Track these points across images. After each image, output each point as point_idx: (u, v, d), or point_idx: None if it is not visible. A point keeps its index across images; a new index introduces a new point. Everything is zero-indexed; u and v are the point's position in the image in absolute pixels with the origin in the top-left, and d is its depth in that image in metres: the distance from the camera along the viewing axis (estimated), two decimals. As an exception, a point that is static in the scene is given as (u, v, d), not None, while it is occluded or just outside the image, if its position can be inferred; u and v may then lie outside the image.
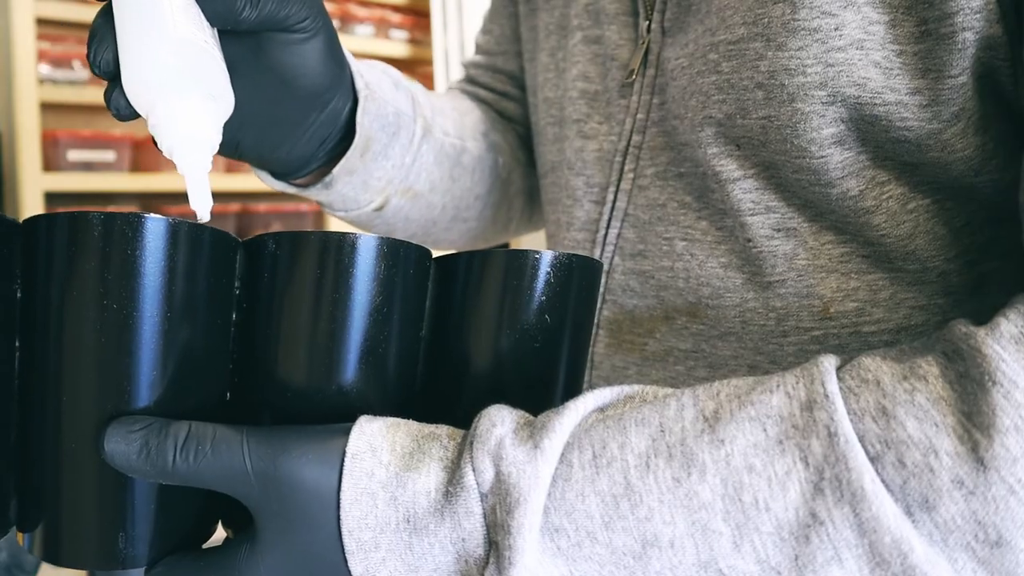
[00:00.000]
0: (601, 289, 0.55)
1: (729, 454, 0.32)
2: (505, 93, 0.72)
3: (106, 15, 0.39)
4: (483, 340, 0.39)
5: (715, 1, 0.47)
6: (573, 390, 0.42)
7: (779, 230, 0.47)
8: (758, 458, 0.32)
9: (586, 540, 0.32)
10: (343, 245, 0.35)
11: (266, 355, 0.36)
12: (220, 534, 0.39)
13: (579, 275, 0.40)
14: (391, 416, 0.37)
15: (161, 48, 0.36)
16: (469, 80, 0.73)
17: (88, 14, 1.78)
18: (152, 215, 0.33)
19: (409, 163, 0.57)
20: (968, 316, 0.35)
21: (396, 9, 2.38)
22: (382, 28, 2.33)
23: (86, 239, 0.32)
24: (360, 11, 2.28)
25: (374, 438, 0.34)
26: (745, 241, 0.48)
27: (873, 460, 0.31)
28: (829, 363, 0.34)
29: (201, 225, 0.34)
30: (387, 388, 0.38)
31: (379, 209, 0.58)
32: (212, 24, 0.41)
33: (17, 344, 0.34)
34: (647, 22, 0.52)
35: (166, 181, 1.92)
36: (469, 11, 2.29)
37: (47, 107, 1.78)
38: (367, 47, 2.28)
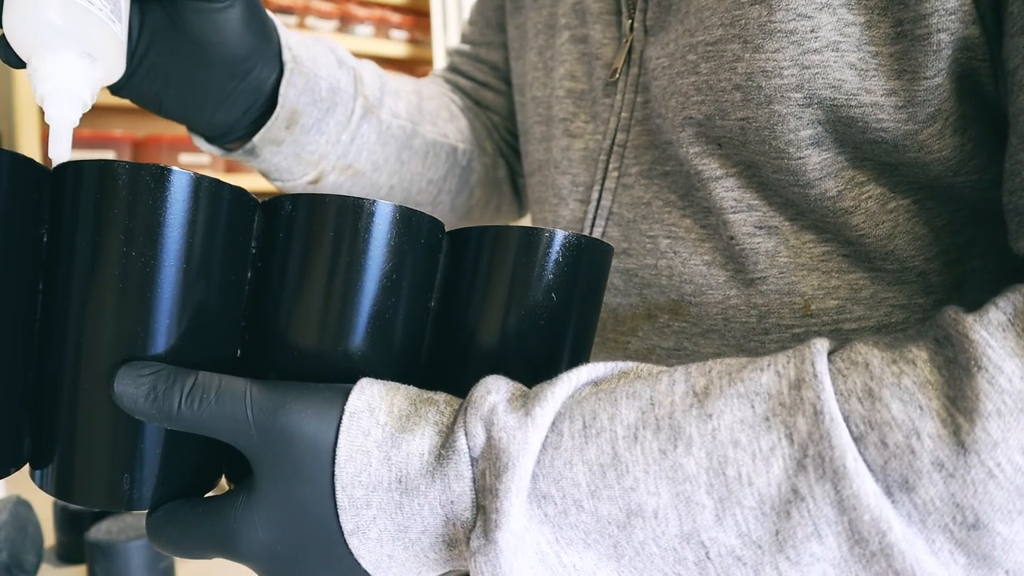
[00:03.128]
0: None
1: (716, 428, 0.32)
2: (485, 83, 0.72)
3: None
4: (489, 315, 0.40)
5: (694, 1, 0.47)
6: (576, 360, 0.42)
7: (760, 228, 0.47)
8: (744, 433, 0.32)
9: (572, 508, 0.33)
10: (360, 210, 0.36)
11: (277, 315, 0.37)
12: (223, 489, 0.39)
13: (589, 256, 0.40)
14: (395, 378, 0.37)
15: (36, 4, 0.38)
16: (452, 68, 0.74)
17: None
18: (176, 168, 0.34)
19: (347, 141, 0.58)
20: None
21: (396, 9, 2.38)
22: (382, 28, 2.33)
23: (112, 188, 0.33)
24: (360, 11, 2.28)
25: (373, 399, 0.35)
26: (728, 239, 0.48)
27: (856, 440, 0.32)
28: (821, 345, 0.35)
29: (222, 182, 0.35)
30: (392, 355, 0.38)
31: (314, 182, 0.59)
32: None
33: (41, 287, 0.35)
34: (630, 21, 0.52)
35: (166, 181, 1.92)
36: (469, 11, 2.29)
37: (47, 107, 1.78)
38: (367, 47, 2.28)
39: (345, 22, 2.26)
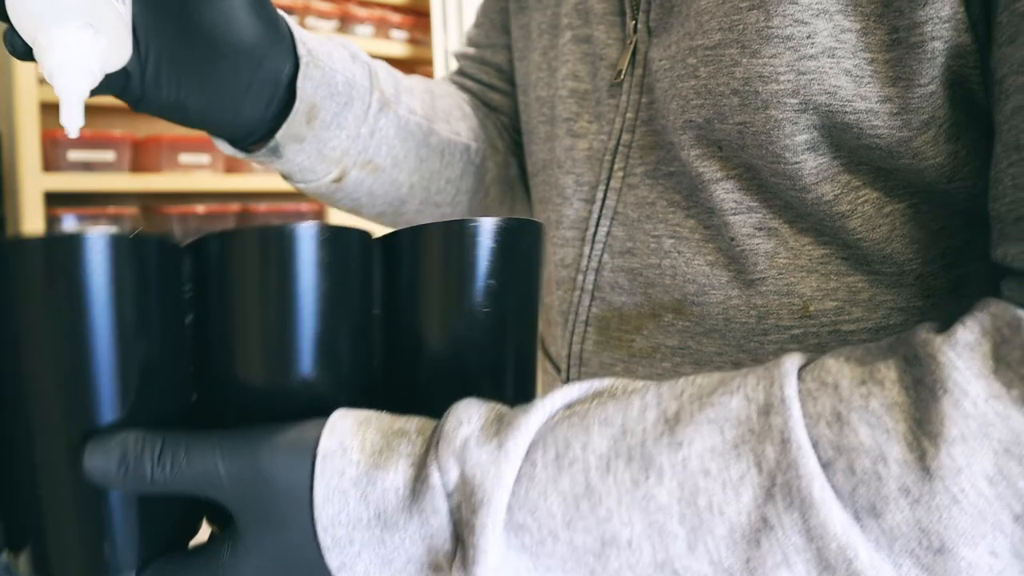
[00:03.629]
0: (590, 287, 0.56)
1: (686, 458, 0.33)
2: (492, 85, 0.73)
3: None
4: (433, 312, 0.40)
5: (694, 5, 0.47)
6: (526, 351, 0.43)
7: (760, 229, 0.47)
8: (714, 462, 0.33)
9: (548, 538, 0.33)
10: (282, 237, 0.36)
11: (222, 355, 0.37)
12: (206, 529, 0.39)
13: (519, 238, 0.41)
14: (354, 398, 0.38)
15: None
16: (458, 72, 0.75)
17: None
18: (92, 233, 0.33)
19: (367, 134, 0.58)
20: (948, 318, 0.36)
21: (396, 9, 2.38)
22: (382, 28, 2.33)
23: (31, 265, 0.33)
24: (360, 11, 2.28)
25: (345, 437, 0.35)
26: (729, 239, 0.48)
27: (825, 466, 0.32)
28: (791, 364, 0.35)
29: (143, 236, 0.35)
30: (344, 373, 0.38)
31: (338, 180, 0.58)
32: None
33: None
34: (633, 22, 0.52)
35: (166, 181, 1.92)
36: (469, 11, 2.29)
37: (47, 107, 1.78)
38: (367, 47, 2.28)
39: (345, 22, 2.26)
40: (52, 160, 1.76)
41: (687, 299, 0.51)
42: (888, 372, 0.34)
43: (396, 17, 2.35)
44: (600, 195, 0.55)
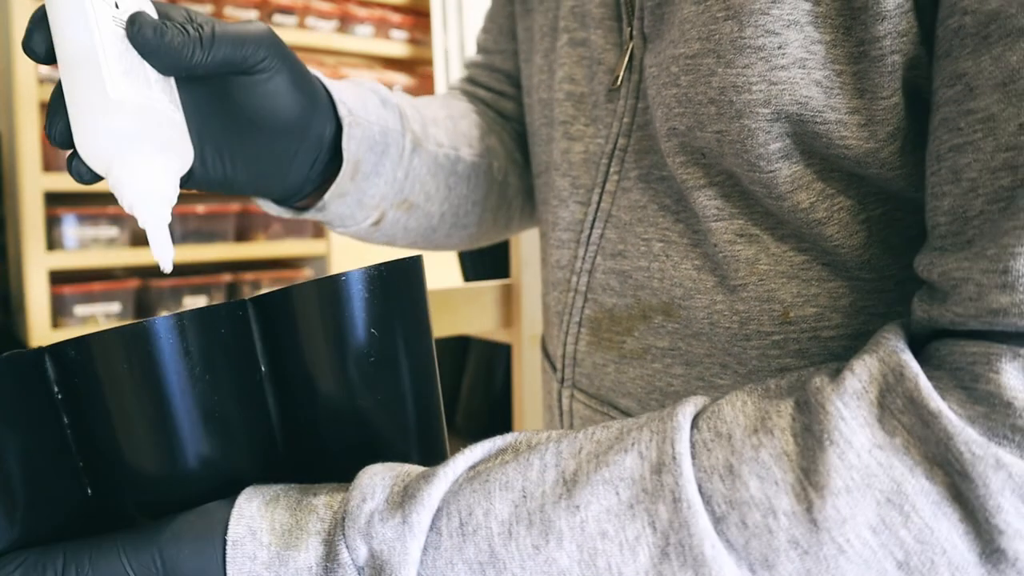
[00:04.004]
0: (583, 288, 0.56)
1: (584, 520, 0.34)
2: (503, 92, 0.73)
3: (60, 89, 0.40)
4: (320, 367, 0.40)
5: (678, 13, 0.47)
6: (426, 393, 0.43)
7: (741, 236, 0.48)
8: (611, 524, 0.34)
9: None
10: (138, 336, 0.35)
11: (108, 452, 0.37)
12: None
13: (395, 281, 0.40)
14: (255, 466, 0.38)
15: (102, 116, 0.38)
16: (469, 79, 0.74)
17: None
18: None
19: (402, 177, 0.59)
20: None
21: (396, 9, 2.38)
22: (382, 28, 2.33)
23: None
24: (360, 11, 2.28)
25: (253, 520, 0.35)
26: (712, 245, 0.49)
27: (719, 520, 0.33)
28: (684, 416, 0.36)
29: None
30: (240, 444, 0.38)
31: (376, 223, 0.60)
32: (165, 74, 0.42)
33: None
34: (629, 28, 0.53)
35: (166, 181, 1.92)
36: (469, 11, 2.29)
37: (47, 107, 1.78)
38: (367, 47, 2.28)
39: (345, 22, 2.26)
40: (52, 160, 1.76)
41: (674, 302, 0.51)
42: (779, 420, 0.35)
43: (396, 17, 2.35)
44: (595, 198, 0.55)
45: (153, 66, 0.41)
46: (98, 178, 0.40)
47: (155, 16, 0.42)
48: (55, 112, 0.41)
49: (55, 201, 1.80)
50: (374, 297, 0.40)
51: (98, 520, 0.37)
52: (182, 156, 0.41)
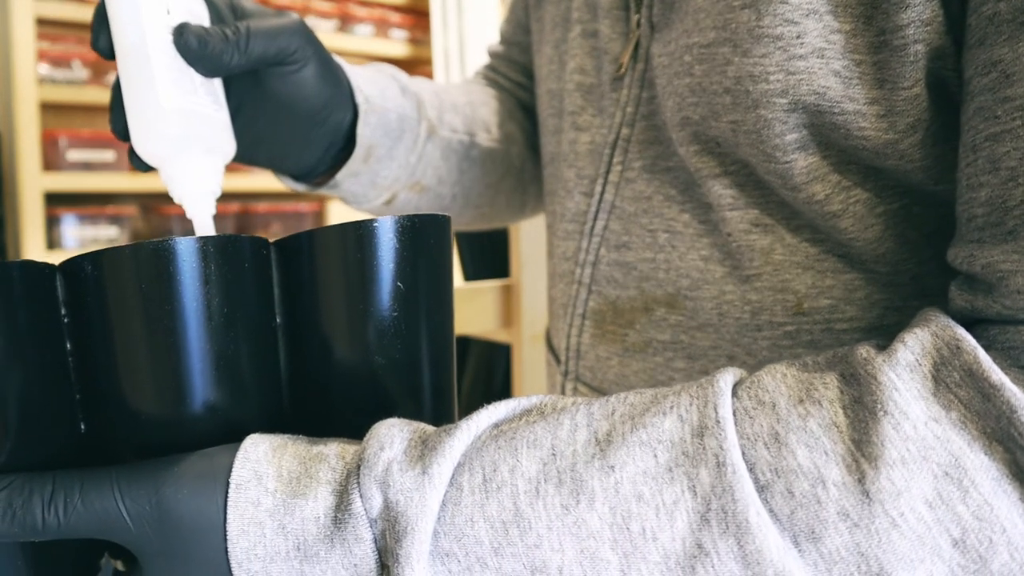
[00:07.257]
0: (587, 280, 0.56)
1: (619, 481, 0.32)
2: (520, 83, 0.74)
3: (119, 87, 0.44)
4: (339, 321, 0.38)
5: (692, 2, 0.47)
6: (442, 358, 0.41)
7: (757, 225, 0.47)
8: (647, 486, 0.32)
9: (476, 565, 0.33)
10: (160, 253, 0.33)
11: (110, 385, 0.34)
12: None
13: (426, 235, 0.38)
14: (262, 419, 0.36)
15: (155, 122, 0.42)
16: (491, 68, 0.76)
17: (88, 14, 1.78)
18: None
19: (415, 162, 0.61)
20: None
21: (396, 9, 2.38)
22: (382, 28, 2.33)
23: None
24: (360, 11, 2.28)
25: (259, 464, 0.33)
26: (726, 235, 0.48)
27: (763, 489, 0.32)
28: (725, 382, 0.34)
29: (7, 263, 0.33)
30: (248, 390, 0.36)
31: (388, 203, 0.62)
32: (208, 76, 0.46)
33: None
34: (637, 16, 0.52)
35: (166, 181, 1.92)
36: (469, 11, 2.29)
37: (47, 107, 1.78)
38: (367, 47, 2.28)
39: (345, 22, 2.26)
40: (52, 160, 1.76)
41: (680, 293, 0.51)
42: (826, 391, 0.33)
43: (396, 17, 2.35)
44: (599, 189, 0.55)
45: (197, 71, 0.45)
46: (151, 168, 0.45)
47: (205, 11, 0.47)
48: (115, 110, 0.45)
49: (55, 201, 1.80)
50: (404, 248, 0.37)
51: (88, 459, 0.35)
52: (225, 152, 0.46)
